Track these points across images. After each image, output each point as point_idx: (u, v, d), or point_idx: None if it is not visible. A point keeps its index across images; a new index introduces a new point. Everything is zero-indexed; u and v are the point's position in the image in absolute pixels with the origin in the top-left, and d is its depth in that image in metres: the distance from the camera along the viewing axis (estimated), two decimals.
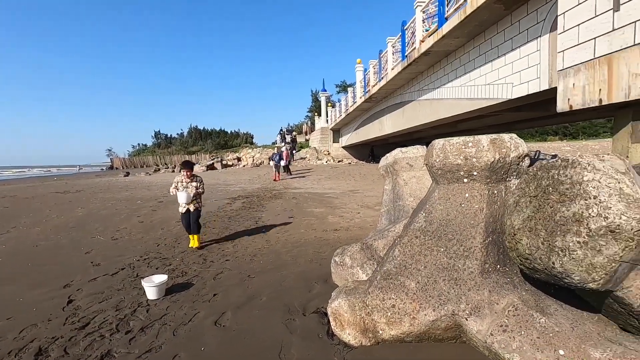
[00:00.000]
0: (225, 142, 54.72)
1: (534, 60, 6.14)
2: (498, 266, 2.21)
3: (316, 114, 37.85)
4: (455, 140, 2.43)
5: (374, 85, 15.76)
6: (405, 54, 11.19)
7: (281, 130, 34.39)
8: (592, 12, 4.00)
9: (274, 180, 15.03)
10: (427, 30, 9.53)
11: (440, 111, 10.67)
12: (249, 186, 13.49)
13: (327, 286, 3.32)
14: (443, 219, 2.36)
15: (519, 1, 6.23)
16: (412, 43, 10.59)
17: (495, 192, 2.31)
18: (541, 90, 6.02)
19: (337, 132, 29.22)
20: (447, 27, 7.93)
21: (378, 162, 21.67)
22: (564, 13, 4.42)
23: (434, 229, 2.37)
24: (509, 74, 6.94)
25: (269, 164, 23.42)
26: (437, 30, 8.58)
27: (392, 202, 4.05)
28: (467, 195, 2.34)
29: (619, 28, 3.69)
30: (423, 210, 2.49)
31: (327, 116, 31.14)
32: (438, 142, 2.50)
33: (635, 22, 3.53)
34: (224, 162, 27.06)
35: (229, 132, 60.08)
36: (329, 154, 28.19)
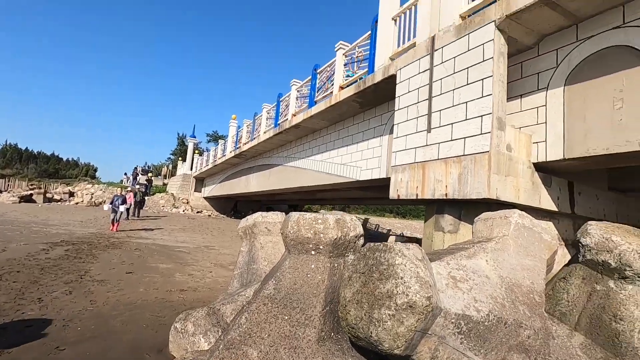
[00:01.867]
0: (56, 170, 45.09)
1: (377, 153, 7.59)
2: (332, 334, 2.46)
3: (180, 158, 35.71)
4: (309, 215, 2.76)
5: (245, 143, 16.20)
6: (278, 122, 12.14)
7: (135, 168, 30.68)
8: (414, 129, 5.35)
9: (111, 230, 11.89)
10: (299, 107, 10.70)
11: (302, 179, 11.64)
12: (80, 229, 11.26)
13: (161, 358, 2.97)
14: (290, 287, 2.54)
15: (370, 105, 7.78)
16: (285, 114, 11.64)
17: (336, 265, 2.66)
18: (381, 177, 7.38)
19: (200, 181, 27.96)
20: (315, 110, 9.12)
21: (240, 217, 21.24)
22: (397, 124, 5.76)
23: (281, 297, 2.51)
24: (359, 159, 8.31)
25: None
26: (307, 109, 9.75)
27: (246, 265, 4.08)
28: (313, 266, 2.61)
29: (430, 145, 5.04)
30: (274, 278, 2.63)
31: (192, 163, 29.73)
32: (294, 216, 2.78)
33: (439, 143, 4.89)
34: (49, 195, 22.03)
35: (65, 159, 50.16)
36: (188, 202, 26.40)
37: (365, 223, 31.54)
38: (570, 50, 4.16)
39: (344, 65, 8.11)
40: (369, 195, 14.89)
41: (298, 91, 10.92)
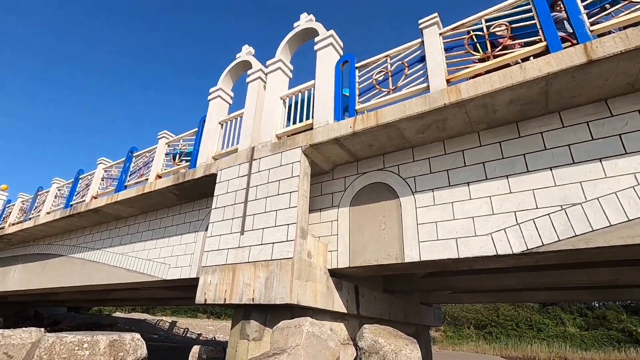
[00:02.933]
0: None
1: (190, 250, 7.08)
2: None
3: None
4: (71, 338, 2.14)
5: (14, 223, 12.32)
6: (71, 203, 9.99)
7: None
8: (229, 230, 5.38)
9: None
10: (103, 189, 9.25)
11: (94, 275, 9.43)
12: None
13: None
14: None
15: (188, 198, 7.50)
16: (84, 195, 9.77)
17: None
18: (190, 277, 6.78)
19: None
20: (123, 195, 8.07)
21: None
22: (213, 223, 5.67)
23: None
24: (168, 255, 7.51)
25: None
26: (114, 193, 8.51)
27: None
28: None
29: (242, 247, 5.10)
30: None
31: None
32: (47, 340, 2.10)
33: (250, 246, 5.02)
34: None
35: None
36: None
37: (172, 327, 27.25)
38: (354, 180, 5.35)
39: (166, 154, 7.80)
40: (179, 295, 13.27)
41: (106, 171, 9.57)
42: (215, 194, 5.90)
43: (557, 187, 3.84)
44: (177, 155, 7.48)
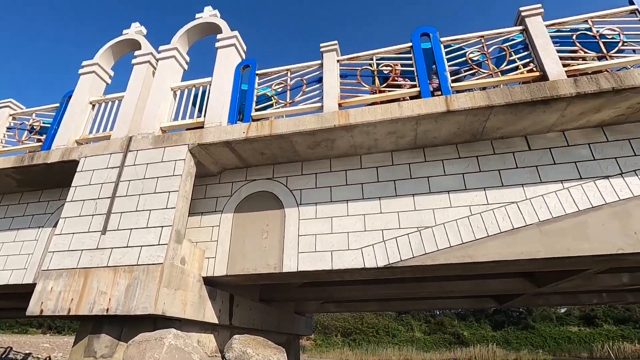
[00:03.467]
0: None
1: (28, 249, 5.78)
2: None
3: None
4: None
5: None
6: None
7: None
8: (86, 227, 4.60)
9: None
10: None
11: None
12: None
13: None
14: None
15: (33, 186, 6.16)
16: None
17: None
18: (24, 283, 5.52)
19: None
20: None
21: None
22: (65, 218, 4.77)
23: None
24: None
25: None
26: None
27: None
28: None
29: (101, 249, 4.41)
30: None
31: None
32: None
33: (112, 248, 4.39)
34: None
35: None
36: None
37: None
38: (241, 186, 5.24)
39: (8, 128, 6.29)
40: (4, 306, 10.62)
41: None
42: (73, 184, 5.00)
43: (416, 211, 4.49)
44: (26, 132, 6.12)
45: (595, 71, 4.19)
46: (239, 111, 5.17)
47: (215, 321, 5.01)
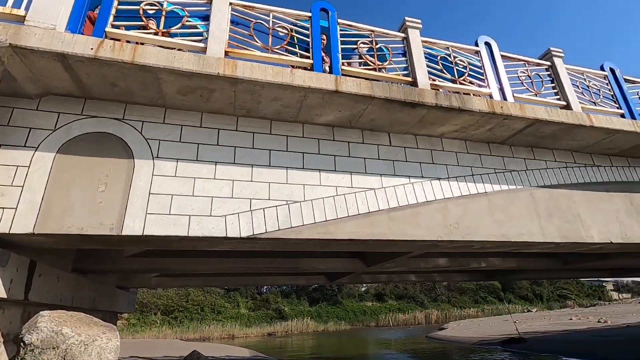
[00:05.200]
0: None
1: None
2: None
3: None
4: None
5: None
6: None
7: None
8: None
9: None
10: None
11: None
12: None
13: None
14: None
15: None
16: None
17: None
18: None
19: None
20: None
21: None
22: None
23: None
24: None
25: None
26: None
27: None
28: None
29: None
30: None
31: None
32: None
33: None
34: None
35: None
36: None
37: None
38: (74, 121, 3.97)
39: None
40: None
41: None
42: None
43: (287, 184, 4.41)
44: None
45: (451, 90, 5.03)
46: (89, 19, 3.88)
47: (3, 295, 3.65)
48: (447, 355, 17.66)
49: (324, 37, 4.92)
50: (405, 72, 4.90)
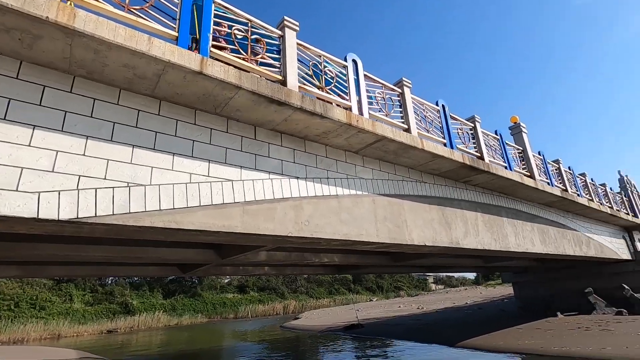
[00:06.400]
0: None
1: None
2: None
3: None
4: None
5: None
6: None
7: None
8: None
9: None
10: None
11: None
12: None
13: None
14: None
15: None
16: None
17: None
18: None
19: None
20: None
21: None
22: None
23: None
24: None
25: None
26: None
27: None
28: None
29: None
30: None
31: None
32: None
33: None
34: None
35: None
36: None
37: None
38: None
39: None
40: None
41: None
42: None
43: (132, 164, 3.92)
44: None
45: (318, 97, 5.33)
46: None
47: None
48: (298, 342, 18.88)
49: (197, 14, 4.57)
50: (277, 70, 4.97)
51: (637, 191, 19.34)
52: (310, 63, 5.43)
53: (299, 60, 5.24)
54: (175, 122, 4.41)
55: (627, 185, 18.67)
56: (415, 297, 49.94)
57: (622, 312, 14.74)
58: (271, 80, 4.85)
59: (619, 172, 18.91)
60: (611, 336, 10.87)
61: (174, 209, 4.04)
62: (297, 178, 5.37)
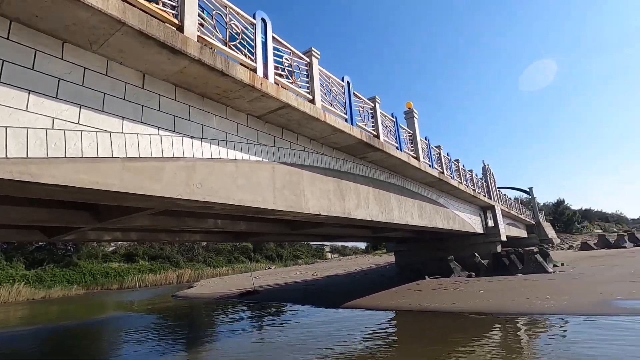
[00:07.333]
0: None
1: None
2: None
3: None
4: None
5: None
6: None
7: None
8: None
9: None
10: None
11: None
12: None
13: None
14: None
15: None
16: None
17: None
18: None
19: None
20: None
21: None
22: None
23: None
24: None
25: None
26: None
27: None
28: None
29: None
30: None
31: None
32: None
33: None
34: None
35: None
36: None
37: None
38: None
39: None
40: None
41: None
42: None
43: None
44: None
45: (221, 51, 4.92)
46: None
47: None
48: (192, 310, 18.37)
49: None
50: (173, 12, 4.41)
51: (494, 179, 23.58)
52: (214, 12, 4.96)
53: (200, 6, 4.73)
54: (33, 52, 3.59)
55: (488, 173, 22.59)
56: (312, 265, 52.97)
57: (472, 275, 18.17)
58: (166, 23, 4.28)
59: (483, 161, 22.72)
60: (461, 293, 13.33)
61: (27, 158, 3.36)
62: (192, 137, 4.98)
